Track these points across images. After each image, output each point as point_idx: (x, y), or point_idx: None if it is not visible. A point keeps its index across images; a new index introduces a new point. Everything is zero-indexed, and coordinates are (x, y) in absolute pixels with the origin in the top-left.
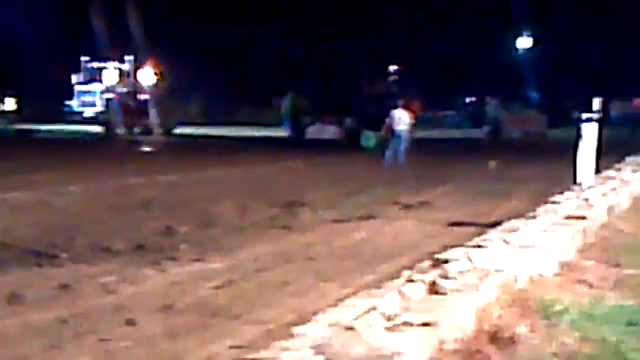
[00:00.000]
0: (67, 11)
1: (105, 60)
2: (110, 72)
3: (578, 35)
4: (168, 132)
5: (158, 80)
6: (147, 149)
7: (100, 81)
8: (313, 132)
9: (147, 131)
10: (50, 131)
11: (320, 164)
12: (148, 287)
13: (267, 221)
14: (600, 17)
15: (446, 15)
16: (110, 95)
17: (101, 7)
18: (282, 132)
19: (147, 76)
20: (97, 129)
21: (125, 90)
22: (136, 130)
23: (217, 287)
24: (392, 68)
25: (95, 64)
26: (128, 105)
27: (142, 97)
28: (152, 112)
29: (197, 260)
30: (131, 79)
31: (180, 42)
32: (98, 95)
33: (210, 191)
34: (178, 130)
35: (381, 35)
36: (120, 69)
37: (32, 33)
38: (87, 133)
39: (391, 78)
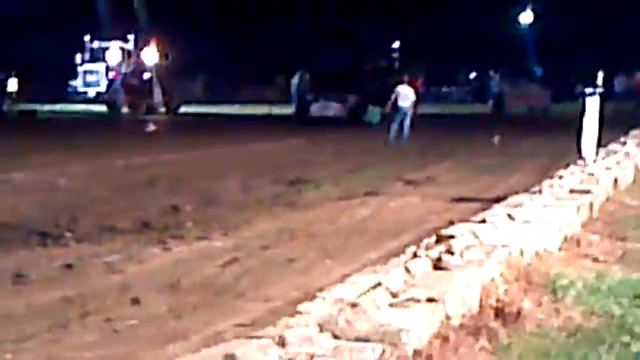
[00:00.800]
0: None
1: (109, 39)
2: (114, 52)
3: (581, 10)
4: (173, 111)
5: (162, 58)
6: (151, 128)
7: (104, 60)
8: (317, 109)
9: (151, 110)
10: (53, 111)
11: (324, 141)
12: (153, 266)
13: (271, 198)
14: None
15: None
16: (113, 75)
17: None
18: (286, 110)
19: (151, 55)
20: (100, 108)
21: (129, 69)
22: (140, 109)
23: (222, 265)
24: (395, 44)
25: (99, 43)
26: (132, 85)
27: (146, 76)
28: (156, 91)
29: (202, 238)
30: (135, 57)
31: (184, 19)
32: (102, 74)
33: (215, 169)
34: (182, 109)
35: (383, 10)
36: (123, 48)
37: (35, 12)
38: (90, 113)
39: (394, 54)
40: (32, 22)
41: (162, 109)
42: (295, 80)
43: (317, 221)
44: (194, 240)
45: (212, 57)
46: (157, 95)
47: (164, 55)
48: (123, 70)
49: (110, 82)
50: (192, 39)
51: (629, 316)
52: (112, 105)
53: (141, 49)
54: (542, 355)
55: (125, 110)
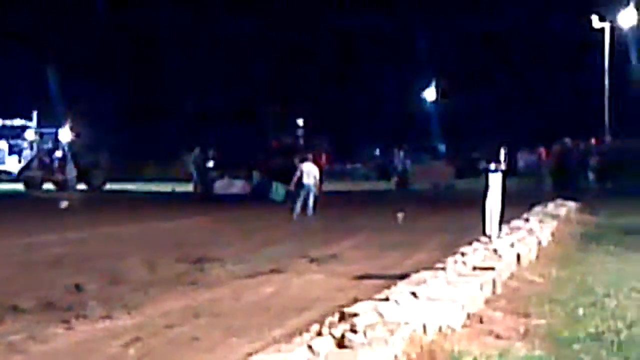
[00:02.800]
0: None
1: (13, 117)
2: (29, 130)
3: (484, 87)
4: (98, 188)
5: (75, 137)
6: (64, 205)
7: (9, 139)
8: (221, 186)
9: (64, 187)
10: None
11: (229, 218)
12: (57, 346)
13: (175, 277)
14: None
15: (354, 66)
16: (26, 153)
17: (16, 65)
18: (190, 187)
19: (65, 133)
20: (8, 186)
21: (42, 147)
22: (52, 186)
23: (126, 345)
24: (300, 121)
25: (2, 122)
26: (44, 162)
27: (59, 153)
28: (69, 168)
29: (106, 317)
30: (50, 135)
31: (89, 100)
32: (5, 152)
33: (120, 248)
34: (107, 187)
35: (289, 87)
36: (35, 127)
37: None
38: None
39: (298, 131)
40: None
41: (78, 186)
42: (192, 158)
43: (221, 299)
44: (98, 320)
45: (115, 135)
46: (70, 172)
47: (76, 133)
48: (35, 147)
49: (28, 161)
50: (95, 118)
51: None
52: (29, 183)
53: (57, 127)
54: None
55: (45, 186)
